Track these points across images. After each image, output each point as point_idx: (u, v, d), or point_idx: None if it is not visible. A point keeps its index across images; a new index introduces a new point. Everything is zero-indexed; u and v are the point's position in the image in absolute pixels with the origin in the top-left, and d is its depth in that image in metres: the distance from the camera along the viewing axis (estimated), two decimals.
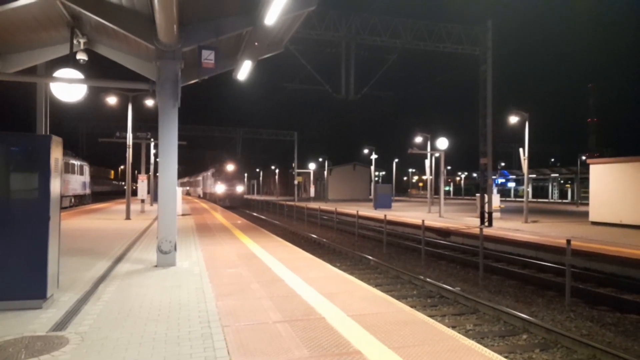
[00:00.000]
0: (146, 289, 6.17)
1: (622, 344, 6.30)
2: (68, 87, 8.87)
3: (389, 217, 18.28)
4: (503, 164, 76.40)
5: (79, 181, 33.08)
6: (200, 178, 60.08)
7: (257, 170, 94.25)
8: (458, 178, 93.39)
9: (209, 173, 49.08)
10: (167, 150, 7.93)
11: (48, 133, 10.17)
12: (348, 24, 20.21)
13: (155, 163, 30.52)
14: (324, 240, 16.93)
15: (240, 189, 43.93)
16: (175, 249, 7.88)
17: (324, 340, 4.24)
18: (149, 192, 25.82)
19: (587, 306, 8.16)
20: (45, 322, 4.65)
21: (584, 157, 42.67)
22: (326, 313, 5.10)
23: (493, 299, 8.65)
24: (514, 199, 56.91)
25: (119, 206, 27.16)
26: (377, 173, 58.28)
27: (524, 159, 19.93)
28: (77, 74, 8.84)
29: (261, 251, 9.73)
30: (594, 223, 18.01)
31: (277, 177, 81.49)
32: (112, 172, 77.33)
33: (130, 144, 19.25)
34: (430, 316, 6.22)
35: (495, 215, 20.09)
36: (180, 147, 8.46)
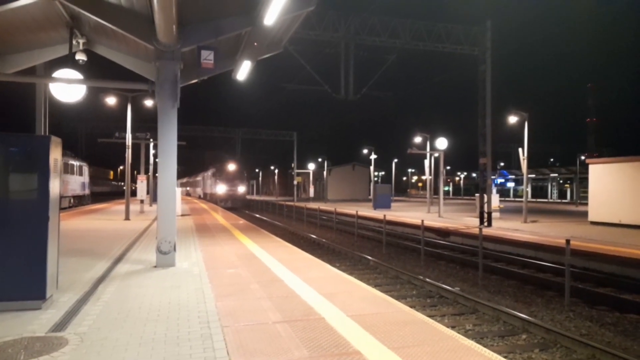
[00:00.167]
0: (146, 289, 6.17)
1: (621, 344, 6.31)
2: (67, 88, 8.88)
3: (389, 217, 18.28)
4: (502, 164, 76.57)
5: (78, 182, 33.05)
6: (200, 178, 59.13)
7: (257, 170, 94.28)
8: (457, 178, 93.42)
9: (210, 173, 47.86)
10: (167, 151, 7.92)
11: (47, 133, 10.17)
12: (347, 24, 20.22)
13: (155, 163, 30.52)
14: (324, 240, 16.93)
15: (242, 189, 42.78)
16: (174, 250, 7.88)
17: (323, 340, 4.24)
18: (148, 193, 25.81)
19: (587, 306, 8.17)
20: (45, 322, 4.65)
21: (583, 157, 42.69)
22: (326, 313, 5.10)
23: (492, 298, 8.65)
24: (513, 199, 56.92)
25: (118, 207, 27.14)
26: (376, 173, 58.39)
27: (523, 159, 19.94)
28: (76, 75, 8.85)
29: (261, 251, 9.73)
30: (593, 223, 18.03)
31: (276, 177, 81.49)
32: (112, 172, 77.25)
33: (130, 144, 19.24)
34: (430, 316, 6.22)
35: (494, 215, 20.11)
36: (179, 147, 8.45)
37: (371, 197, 36.93)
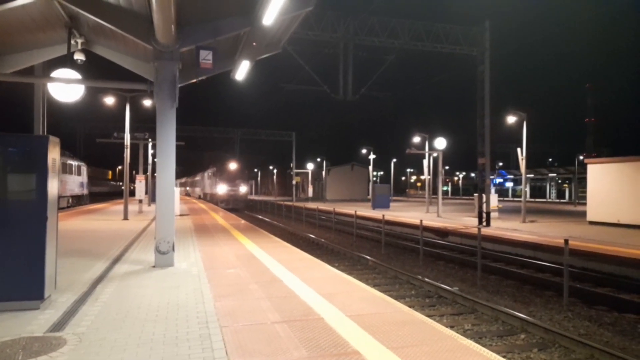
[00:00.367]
0: (144, 289, 6.16)
1: (620, 344, 6.32)
2: (66, 88, 8.86)
3: (387, 217, 18.28)
4: (501, 164, 76.54)
5: (77, 182, 33.01)
6: (199, 178, 58.41)
7: (255, 170, 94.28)
8: (456, 178, 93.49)
9: (210, 172, 46.21)
10: (165, 151, 7.91)
11: (45, 133, 10.14)
12: (346, 24, 20.22)
13: (153, 163, 30.47)
14: (323, 240, 16.93)
15: (243, 189, 40.95)
16: (173, 250, 7.87)
17: (322, 340, 4.24)
18: (146, 193, 25.78)
19: (585, 306, 8.18)
20: (43, 323, 4.64)
21: (581, 157, 42.72)
22: (325, 313, 5.10)
23: (491, 298, 8.66)
24: (511, 199, 56.98)
25: (117, 207, 27.10)
26: (375, 173, 58.51)
27: (522, 159, 19.96)
28: (75, 75, 8.83)
29: (259, 252, 9.72)
30: (592, 223, 18.05)
31: (275, 177, 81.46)
32: (110, 172, 77.15)
33: (128, 144, 19.22)
34: (429, 316, 6.21)
35: (493, 215, 20.11)
36: (178, 147, 8.45)
37: (370, 197, 36.92)
